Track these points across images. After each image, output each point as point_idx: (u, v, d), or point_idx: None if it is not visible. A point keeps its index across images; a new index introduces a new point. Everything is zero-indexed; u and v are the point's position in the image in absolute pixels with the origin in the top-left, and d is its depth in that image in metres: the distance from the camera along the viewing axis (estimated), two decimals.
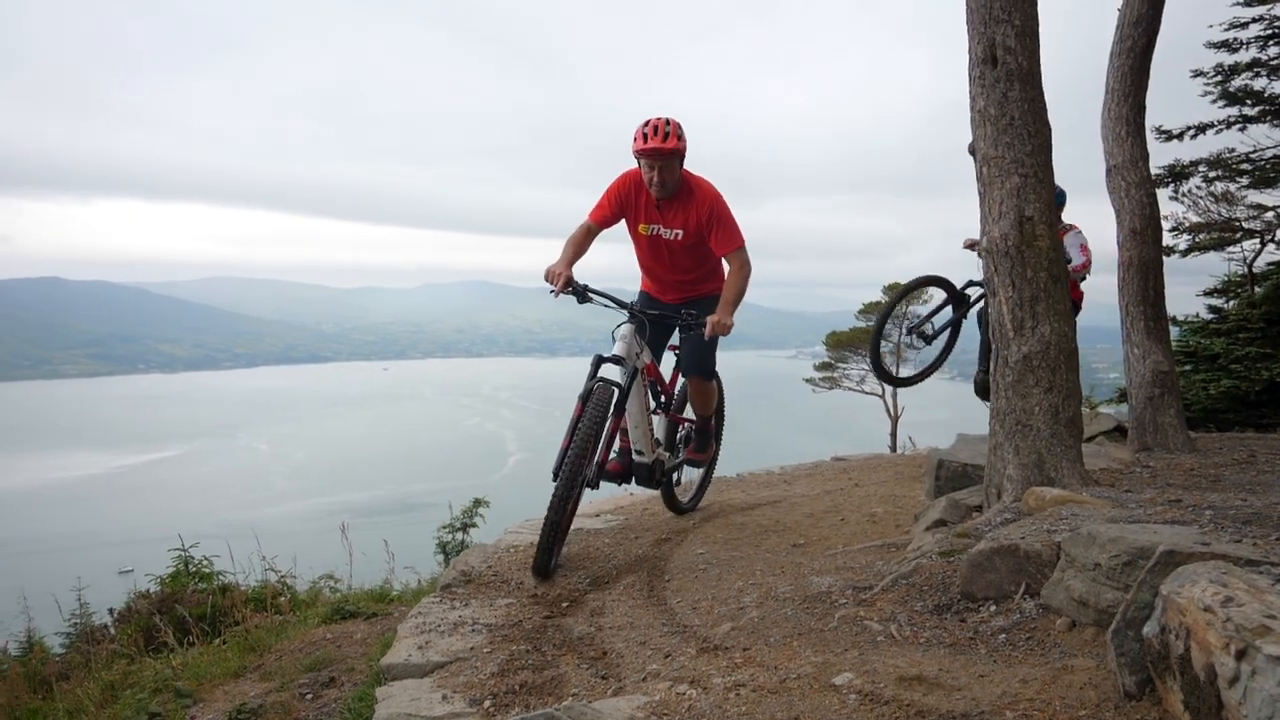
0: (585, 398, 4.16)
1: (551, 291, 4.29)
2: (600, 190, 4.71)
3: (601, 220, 4.58)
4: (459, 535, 7.79)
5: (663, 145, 4.25)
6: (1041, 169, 4.18)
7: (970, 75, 4.38)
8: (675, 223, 4.53)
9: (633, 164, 4.51)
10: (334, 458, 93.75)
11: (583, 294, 4.37)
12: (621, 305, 4.55)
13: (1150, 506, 3.25)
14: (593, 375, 4.30)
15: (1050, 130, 4.30)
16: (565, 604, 3.73)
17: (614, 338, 4.46)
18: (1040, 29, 4.34)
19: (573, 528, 5.29)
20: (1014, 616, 2.67)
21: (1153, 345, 5.77)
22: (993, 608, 2.78)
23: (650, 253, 4.71)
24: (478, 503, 8.10)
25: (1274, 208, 13.07)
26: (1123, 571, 2.25)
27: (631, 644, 3.10)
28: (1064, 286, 4.14)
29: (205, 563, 6.53)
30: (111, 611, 5.70)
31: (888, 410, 24.82)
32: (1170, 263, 14.15)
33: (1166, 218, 13.73)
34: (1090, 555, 2.41)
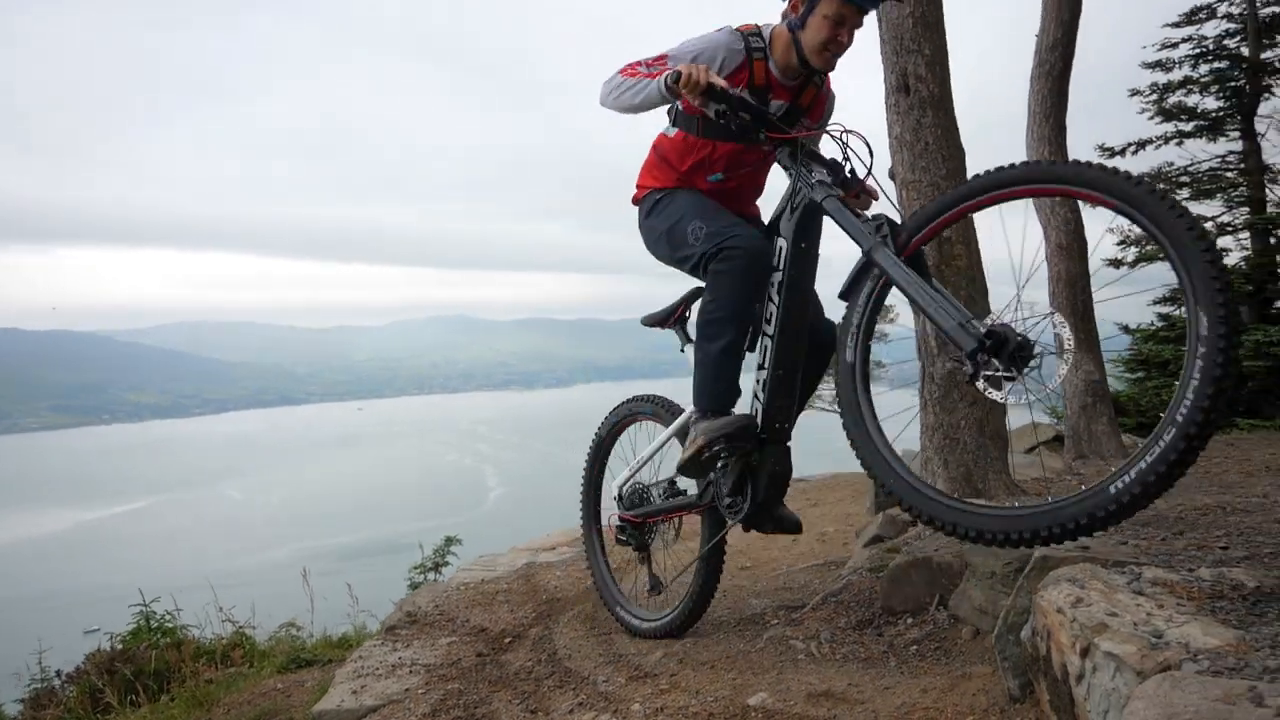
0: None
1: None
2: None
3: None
4: (430, 575, 7.77)
5: None
6: None
7: (886, 103, 4.54)
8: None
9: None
10: (311, 502, 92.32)
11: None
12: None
13: None
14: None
15: (964, 154, 4.45)
16: (508, 639, 3.75)
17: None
18: (951, 59, 4.53)
19: (524, 561, 5.30)
20: (927, 628, 2.74)
21: (1084, 356, 5.93)
22: (909, 620, 2.86)
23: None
24: (449, 540, 8.08)
25: (1213, 218, 13.51)
26: (1013, 578, 2.34)
27: (566, 676, 3.13)
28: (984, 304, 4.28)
29: (168, 617, 6.44)
30: (59, 674, 5.59)
31: None
32: (1121, 273, 14.51)
33: (1113, 229, 14.11)
34: (987, 564, 2.51)
